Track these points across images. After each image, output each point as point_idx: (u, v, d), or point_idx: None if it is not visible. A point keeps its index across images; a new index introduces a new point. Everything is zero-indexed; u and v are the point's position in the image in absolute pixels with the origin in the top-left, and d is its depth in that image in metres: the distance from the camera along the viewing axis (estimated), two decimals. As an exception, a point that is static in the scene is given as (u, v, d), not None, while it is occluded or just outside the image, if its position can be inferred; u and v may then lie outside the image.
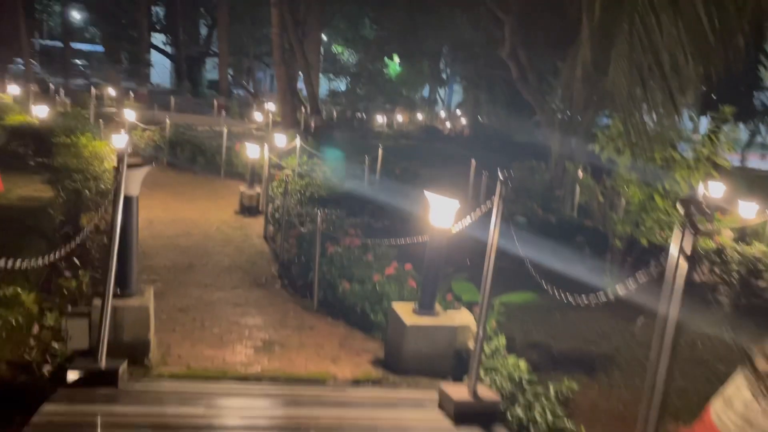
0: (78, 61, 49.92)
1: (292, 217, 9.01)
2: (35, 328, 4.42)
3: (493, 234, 4.00)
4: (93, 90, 28.09)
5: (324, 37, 37.01)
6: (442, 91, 48.20)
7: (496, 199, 4.05)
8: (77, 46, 50.37)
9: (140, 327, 4.17)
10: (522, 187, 12.77)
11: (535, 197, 11.74)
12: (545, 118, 21.28)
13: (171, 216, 10.83)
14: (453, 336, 4.43)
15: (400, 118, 34.88)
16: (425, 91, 44.95)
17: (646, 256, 8.19)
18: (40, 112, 14.42)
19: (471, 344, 4.54)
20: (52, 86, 26.61)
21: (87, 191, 8.58)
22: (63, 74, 39.97)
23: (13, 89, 22.31)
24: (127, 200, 4.28)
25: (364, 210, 9.95)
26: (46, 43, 47.38)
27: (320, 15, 29.08)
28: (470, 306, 5.32)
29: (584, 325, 6.66)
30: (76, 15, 42.36)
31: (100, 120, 13.22)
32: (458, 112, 47.38)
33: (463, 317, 4.67)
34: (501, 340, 4.73)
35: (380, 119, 32.29)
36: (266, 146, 11.55)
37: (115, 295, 4.25)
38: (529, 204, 10.33)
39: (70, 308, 4.44)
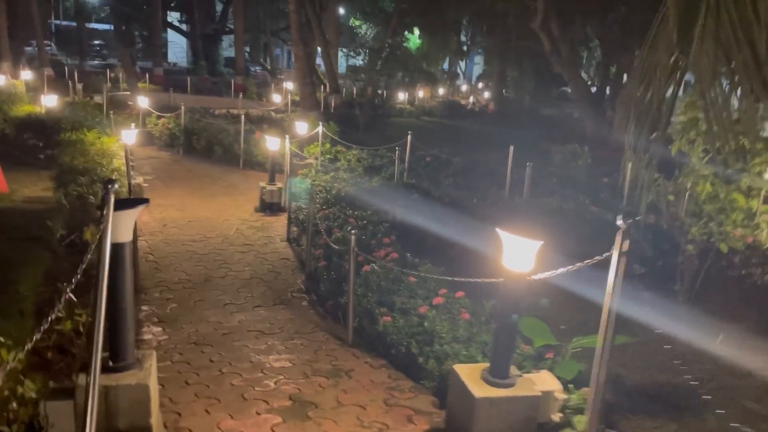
0: (95, 42, 49.10)
1: (317, 219, 8.04)
2: (12, 404, 3.50)
3: (611, 299, 2.98)
4: (108, 72, 27.31)
5: (341, 11, 35.61)
6: (462, 64, 46.57)
7: (615, 253, 3.01)
8: (94, 26, 49.53)
9: (139, 411, 3.22)
10: (565, 175, 11.63)
11: (582, 187, 10.61)
12: (579, 92, 19.99)
13: (186, 216, 9.92)
14: (535, 407, 3.44)
15: (421, 93, 33.54)
16: (445, 65, 43.38)
17: (720, 260, 7.15)
18: (49, 101, 13.52)
19: (555, 416, 3.56)
20: (67, 69, 25.72)
21: (92, 197, 7.66)
22: (79, 55, 39.15)
23: (26, 75, 21.45)
24: (117, 248, 3.30)
25: (398, 212, 8.93)
26: (63, 23, 46.43)
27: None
28: (542, 354, 4.32)
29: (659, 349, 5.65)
30: (89, -5, 41.27)
31: (111, 112, 12.27)
32: (480, 85, 45.84)
33: (545, 381, 3.67)
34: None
35: (401, 96, 31.01)
36: (287, 138, 10.53)
37: (106, 369, 3.32)
38: (581, 199, 9.21)
39: (51, 384, 3.50)
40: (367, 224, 7.48)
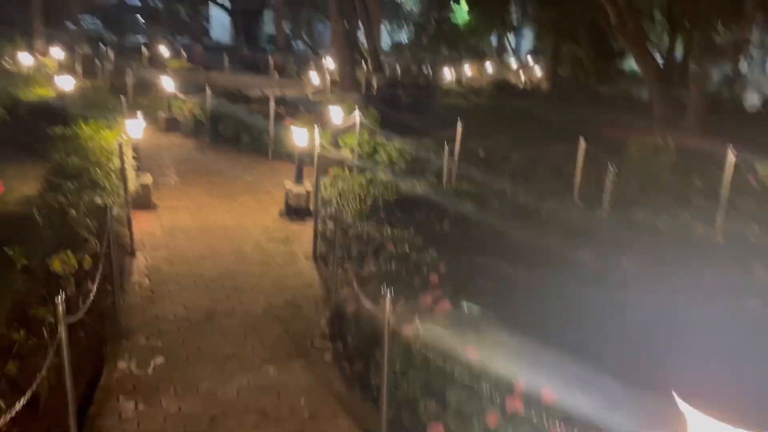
0: (139, 17, 48.11)
1: (347, 239, 6.38)
2: None
3: None
4: (144, 50, 26.04)
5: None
6: (512, 40, 43.91)
7: None
8: (137, 2, 48.53)
9: None
10: (646, 173, 9.65)
11: (670, 191, 8.64)
12: (647, 70, 17.67)
13: (200, 223, 8.41)
14: None
15: (469, 71, 31.31)
16: (493, 41, 40.83)
17: None
18: (65, 84, 12.14)
19: None
20: (102, 47, 24.53)
21: (73, 210, 6.16)
22: (121, 32, 38.18)
23: (58, 53, 20.29)
24: None
25: (449, 227, 7.21)
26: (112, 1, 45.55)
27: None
28: None
29: None
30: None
31: (122, 97, 10.79)
32: (530, 61, 43.11)
33: None
34: None
35: (448, 74, 28.89)
36: (316, 130, 8.84)
37: None
38: (679, 215, 7.26)
39: None
40: (409, 251, 5.77)
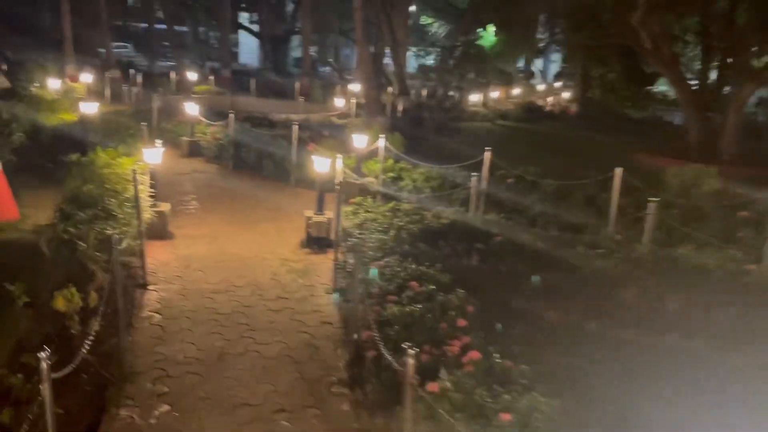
0: (166, 43, 48.83)
1: (368, 274, 5.96)
2: None
3: None
4: (172, 75, 26.20)
5: (411, 8, 33.44)
6: (539, 63, 43.49)
7: None
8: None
9: None
10: (687, 203, 9.07)
11: (713, 225, 8.06)
12: (683, 95, 17.06)
13: (217, 252, 8.07)
14: None
15: (495, 94, 30.93)
16: (519, 63, 40.44)
17: None
18: (89, 108, 12.05)
19: None
20: (132, 71, 24.75)
21: (82, 243, 5.87)
22: (152, 57, 38.71)
23: (87, 78, 20.46)
24: None
25: (478, 261, 6.75)
26: (139, 25, 46.41)
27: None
28: None
29: None
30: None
31: (144, 122, 10.60)
32: (558, 84, 42.60)
33: None
34: None
35: (474, 97, 28.54)
36: (338, 158, 8.51)
37: None
38: (718, 242, 6.68)
39: None
40: (434, 291, 5.33)
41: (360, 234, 7.14)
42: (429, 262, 6.30)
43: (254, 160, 12.61)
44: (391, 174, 10.94)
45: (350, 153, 11.12)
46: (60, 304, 4.97)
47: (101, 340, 5.55)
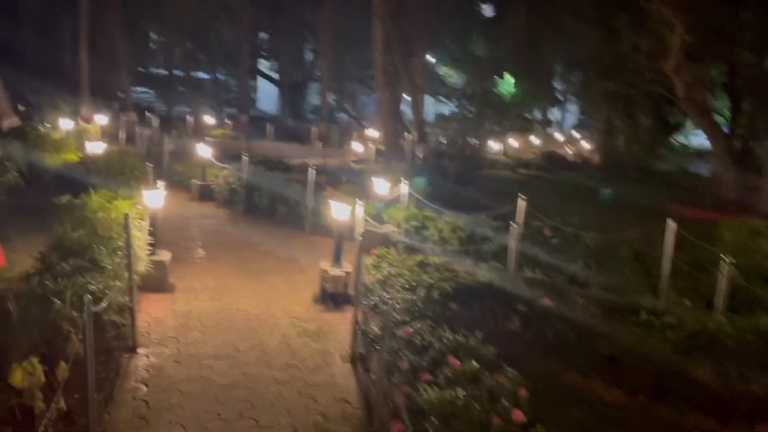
0: (182, 89, 49.01)
1: (394, 342, 4.93)
2: None
3: None
4: (189, 119, 25.76)
5: (430, 59, 33.21)
6: (557, 113, 42.96)
7: None
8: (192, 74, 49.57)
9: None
10: (746, 261, 7.97)
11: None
12: (717, 146, 16.11)
13: (220, 308, 7.08)
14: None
15: (514, 143, 30.19)
16: (536, 113, 39.92)
17: None
18: (95, 149, 11.34)
19: None
20: (148, 115, 24.35)
21: (58, 302, 4.92)
22: (171, 101, 38.61)
23: (101, 119, 19.97)
24: None
25: (522, 328, 5.72)
26: (158, 71, 46.67)
27: (428, 32, 25.27)
28: None
29: None
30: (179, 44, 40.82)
31: (149, 165, 9.81)
32: (576, 134, 41.94)
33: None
34: None
35: (494, 145, 27.81)
36: (358, 204, 7.59)
37: None
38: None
39: None
40: (479, 370, 4.28)
41: (384, 292, 6.14)
42: (465, 328, 5.28)
43: (267, 205, 11.74)
44: (414, 223, 9.98)
45: (370, 199, 10.21)
46: (17, 378, 3.98)
47: (72, 419, 4.57)
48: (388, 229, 9.81)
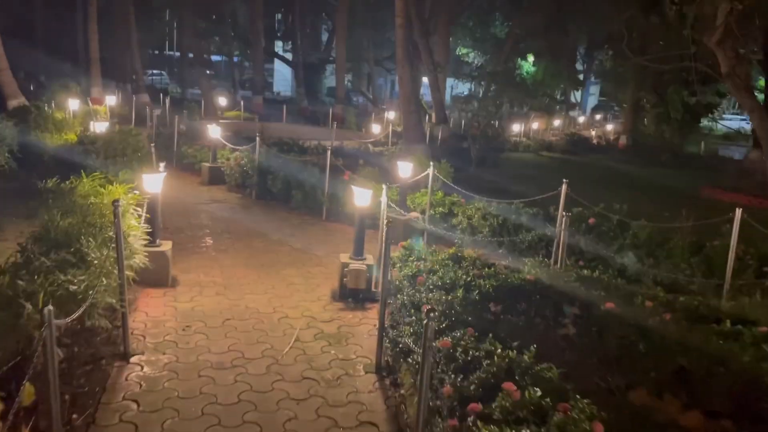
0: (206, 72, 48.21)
1: (431, 355, 4.03)
2: None
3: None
4: (202, 101, 24.93)
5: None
6: (577, 95, 41.52)
7: None
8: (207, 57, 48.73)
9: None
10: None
11: None
12: (762, 126, 14.92)
13: (228, 306, 6.22)
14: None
15: (535, 125, 29.01)
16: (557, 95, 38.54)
17: None
18: (98, 128, 10.51)
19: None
20: (161, 97, 23.56)
21: (29, 307, 4.08)
22: (188, 84, 37.80)
23: (110, 100, 19.20)
24: None
25: (582, 339, 4.79)
26: (173, 53, 45.90)
27: (447, 9, 24.07)
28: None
29: None
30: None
31: (151, 145, 8.95)
32: (597, 117, 40.58)
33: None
34: None
35: (516, 127, 26.67)
36: (384, 188, 6.66)
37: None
38: None
39: None
40: (547, 404, 3.35)
41: (413, 290, 5.24)
42: (512, 336, 4.39)
43: (281, 189, 10.87)
44: (440, 209, 9.04)
45: (392, 183, 9.28)
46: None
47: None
48: (413, 216, 8.89)
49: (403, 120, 16.22)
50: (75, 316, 3.92)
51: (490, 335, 4.28)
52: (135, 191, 6.28)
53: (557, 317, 5.12)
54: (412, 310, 4.90)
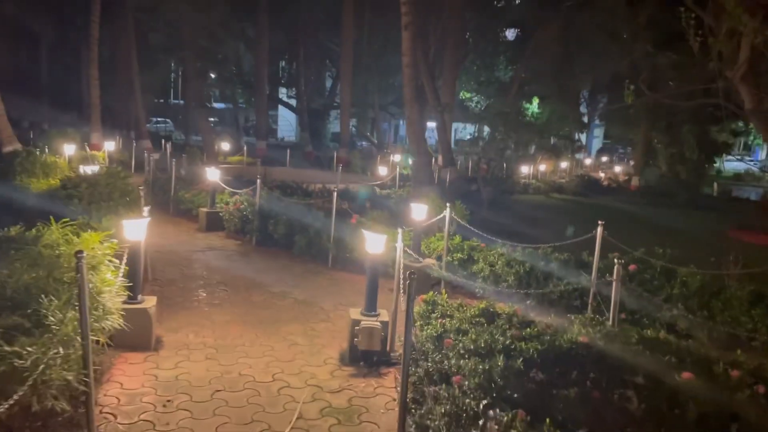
0: (210, 119, 48.09)
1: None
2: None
3: None
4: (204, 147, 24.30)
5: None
6: (582, 137, 41.00)
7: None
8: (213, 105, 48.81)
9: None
10: None
11: None
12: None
13: (219, 373, 5.23)
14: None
15: (542, 166, 28.31)
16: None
17: None
18: (88, 170, 9.73)
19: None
20: (163, 142, 22.99)
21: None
22: (192, 131, 37.42)
23: (109, 145, 18.57)
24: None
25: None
26: (179, 102, 45.85)
27: (452, 53, 23.66)
28: None
29: None
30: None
31: (140, 188, 8.12)
32: (604, 159, 40.02)
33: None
34: None
35: (522, 169, 25.96)
36: (400, 232, 5.77)
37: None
38: None
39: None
40: None
41: (440, 355, 4.30)
42: (570, 420, 3.42)
43: (283, 235, 9.98)
44: (459, 255, 8.12)
45: (405, 227, 8.40)
46: None
47: None
48: (428, 263, 7.96)
49: (411, 161, 15.44)
50: (11, 401, 2.96)
51: (547, 420, 3.32)
52: (113, 239, 5.38)
53: (622, 391, 4.13)
54: (444, 384, 3.93)
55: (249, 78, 37.39)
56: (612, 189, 24.86)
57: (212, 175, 11.57)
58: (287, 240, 9.95)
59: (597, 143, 48.71)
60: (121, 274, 5.28)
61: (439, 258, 8.14)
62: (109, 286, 5.03)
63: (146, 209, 5.96)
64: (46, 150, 14.06)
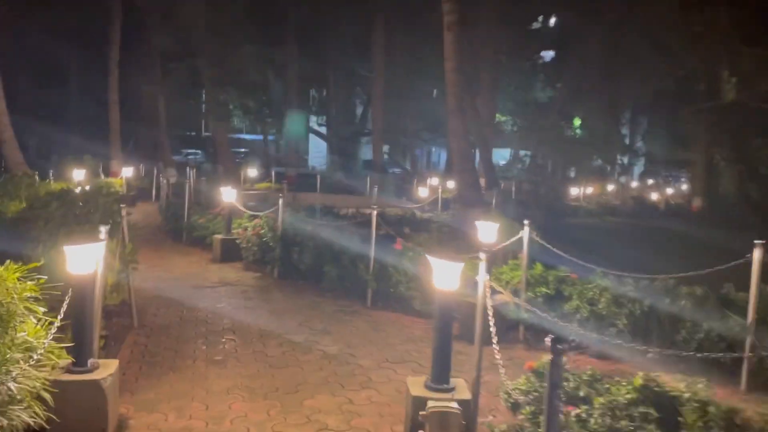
0: (240, 150, 46.99)
1: None
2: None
3: None
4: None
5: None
6: (625, 159, 38.47)
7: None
8: (242, 136, 47.93)
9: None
10: None
11: None
12: None
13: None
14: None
15: (590, 189, 25.99)
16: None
17: None
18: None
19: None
20: (188, 169, 21.49)
21: None
22: (213, 161, 36.21)
23: (127, 171, 17.12)
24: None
25: None
26: (207, 134, 45.11)
27: (489, 73, 21.78)
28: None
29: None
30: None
31: (125, 208, 6.20)
32: (650, 182, 37.37)
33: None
34: None
35: (570, 191, 23.69)
36: (482, 263, 3.71)
37: None
38: None
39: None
40: None
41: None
42: None
43: (310, 266, 7.97)
44: (543, 288, 5.98)
45: (469, 254, 6.31)
46: None
47: None
48: (502, 299, 5.84)
49: (456, 180, 13.40)
50: None
51: None
52: (44, 276, 3.44)
53: None
54: None
55: (279, 107, 36.13)
56: (670, 211, 22.34)
57: (228, 196, 9.69)
58: (315, 271, 7.92)
59: (637, 168, 46.04)
60: (54, 329, 3.31)
61: (515, 292, 6.02)
62: (27, 350, 3.07)
63: (103, 230, 4.04)
64: (50, 174, 12.44)
